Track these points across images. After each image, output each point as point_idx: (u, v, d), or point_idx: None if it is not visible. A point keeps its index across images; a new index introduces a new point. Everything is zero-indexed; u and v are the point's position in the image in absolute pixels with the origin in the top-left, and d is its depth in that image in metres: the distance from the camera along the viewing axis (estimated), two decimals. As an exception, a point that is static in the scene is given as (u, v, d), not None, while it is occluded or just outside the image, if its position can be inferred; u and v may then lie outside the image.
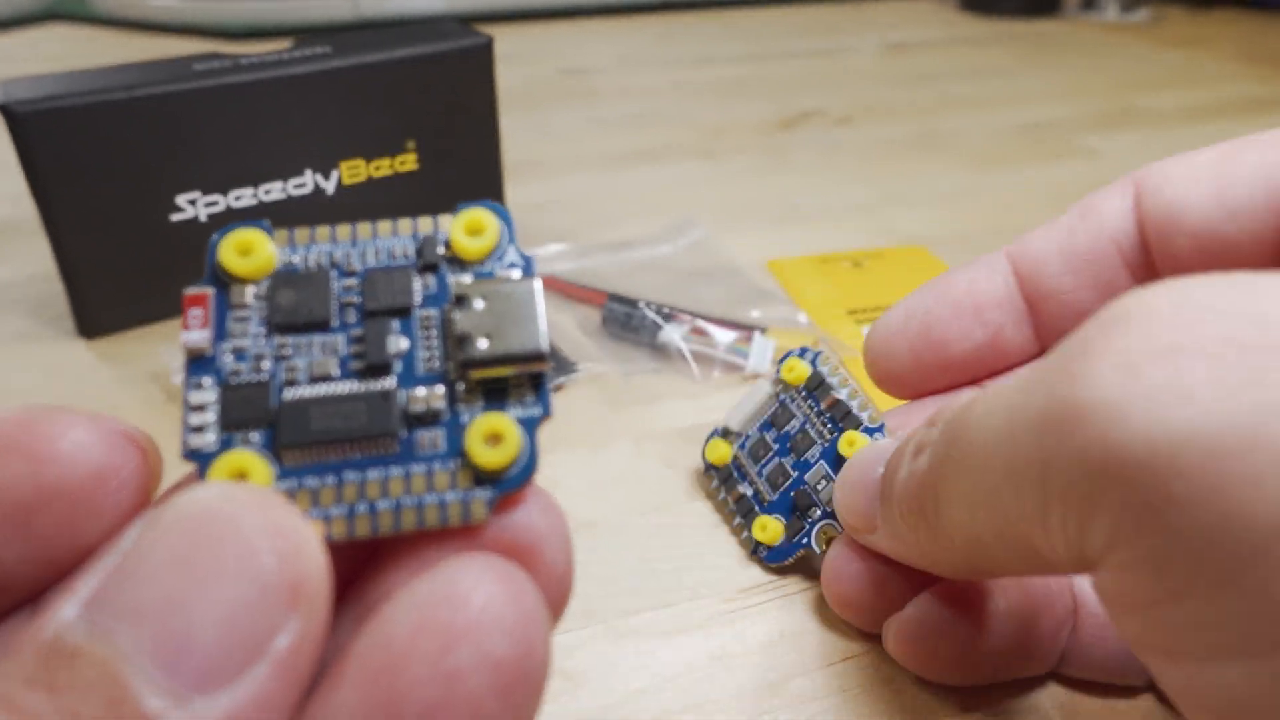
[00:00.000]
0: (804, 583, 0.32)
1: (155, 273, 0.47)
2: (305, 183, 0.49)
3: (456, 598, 0.15)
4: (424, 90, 0.50)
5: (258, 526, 0.14)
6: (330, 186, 0.50)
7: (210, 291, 0.19)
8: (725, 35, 1.07)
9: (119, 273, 0.47)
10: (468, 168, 0.53)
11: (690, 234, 0.57)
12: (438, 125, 0.51)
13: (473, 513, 0.17)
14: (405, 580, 0.17)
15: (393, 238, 0.19)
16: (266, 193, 0.48)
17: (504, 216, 0.19)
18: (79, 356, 0.47)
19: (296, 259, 0.19)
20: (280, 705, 0.14)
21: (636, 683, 0.28)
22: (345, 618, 0.17)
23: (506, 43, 0.61)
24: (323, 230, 0.19)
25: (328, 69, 0.47)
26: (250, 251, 0.19)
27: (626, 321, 0.46)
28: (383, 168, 0.51)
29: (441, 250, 0.19)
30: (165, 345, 0.46)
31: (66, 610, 0.13)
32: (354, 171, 0.50)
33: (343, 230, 0.19)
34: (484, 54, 0.50)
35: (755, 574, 0.33)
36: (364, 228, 0.20)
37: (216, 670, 0.13)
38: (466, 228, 0.19)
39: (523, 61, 0.74)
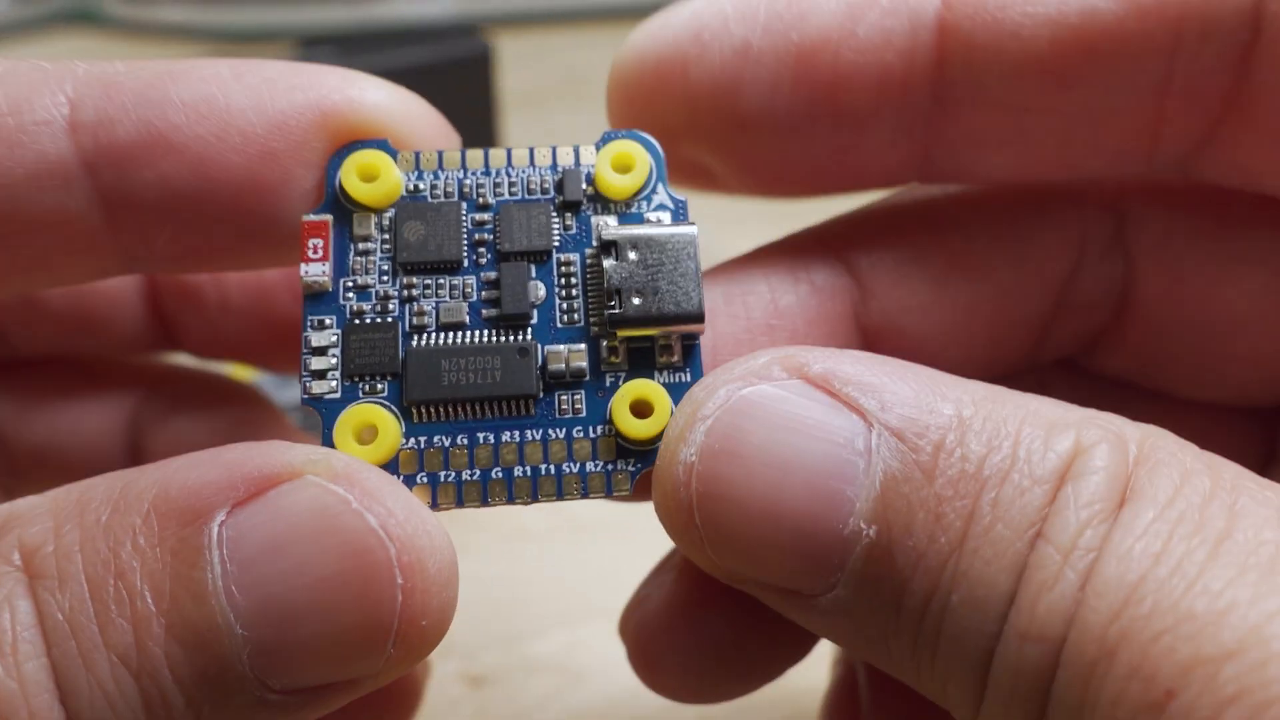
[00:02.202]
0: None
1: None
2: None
3: None
4: (426, 96, 0.50)
5: None
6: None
7: (329, 219, 0.17)
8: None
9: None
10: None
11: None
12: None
13: (616, 487, 0.16)
14: None
15: (529, 168, 0.17)
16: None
17: (654, 151, 0.17)
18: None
19: (423, 185, 0.17)
20: None
21: (638, 680, 0.28)
22: None
23: (511, 47, 0.60)
24: (451, 155, 0.17)
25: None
26: (375, 176, 0.17)
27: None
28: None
29: (585, 186, 0.17)
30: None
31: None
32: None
33: (474, 156, 0.17)
34: (484, 61, 0.50)
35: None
36: (497, 155, 0.17)
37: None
38: (614, 162, 0.17)
39: (527, 65, 0.73)
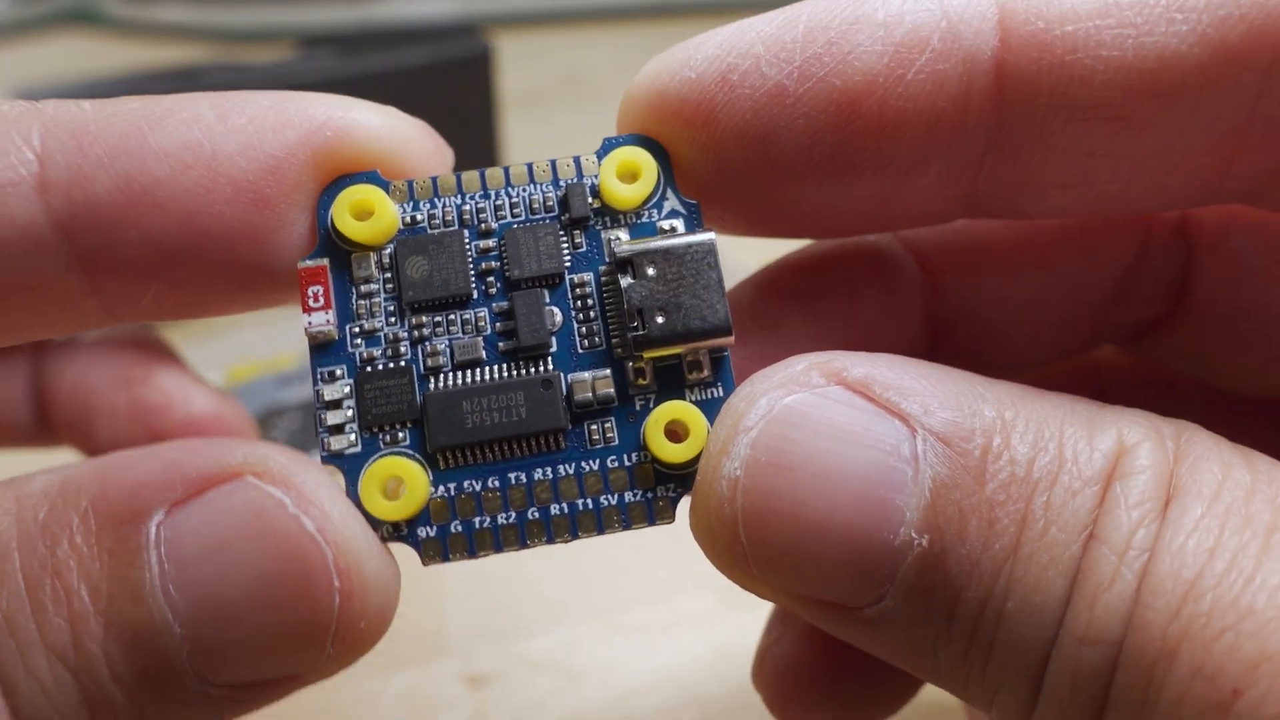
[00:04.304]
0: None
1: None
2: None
3: None
4: (426, 96, 0.48)
5: None
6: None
7: (327, 264, 0.16)
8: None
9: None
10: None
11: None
12: (439, 130, 0.52)
13: (659, 515, 0.15)
14: None
15: (529, 185, 0.16)
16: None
17: (660, 155, 0.16)
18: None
19: (420, 216, 0.16)
20: None
21: (637, 678, 0.28)
22: None
23: (510, 47, 0.59)
24: (446, 180, 0.16)
25: (331, 77, 0.45)
26: (370, 213, 0.16)
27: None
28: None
29: (591, 200, 0.16)
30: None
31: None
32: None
33: (470, 179, 0.16)
34: (484, 61, 0.49)
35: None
36: (494, 174, 0.16)
37: None
38: (619, 171, 0.16)
39: (527, 65, 0.72)
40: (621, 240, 0.16)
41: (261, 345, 0.40)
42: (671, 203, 0.16)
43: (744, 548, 0.14)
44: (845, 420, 0.14)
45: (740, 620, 0.30)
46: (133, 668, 0.13)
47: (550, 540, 0.15)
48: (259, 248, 0.16)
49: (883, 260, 0.19)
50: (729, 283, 0.18)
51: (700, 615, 0.31)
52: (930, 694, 0.22)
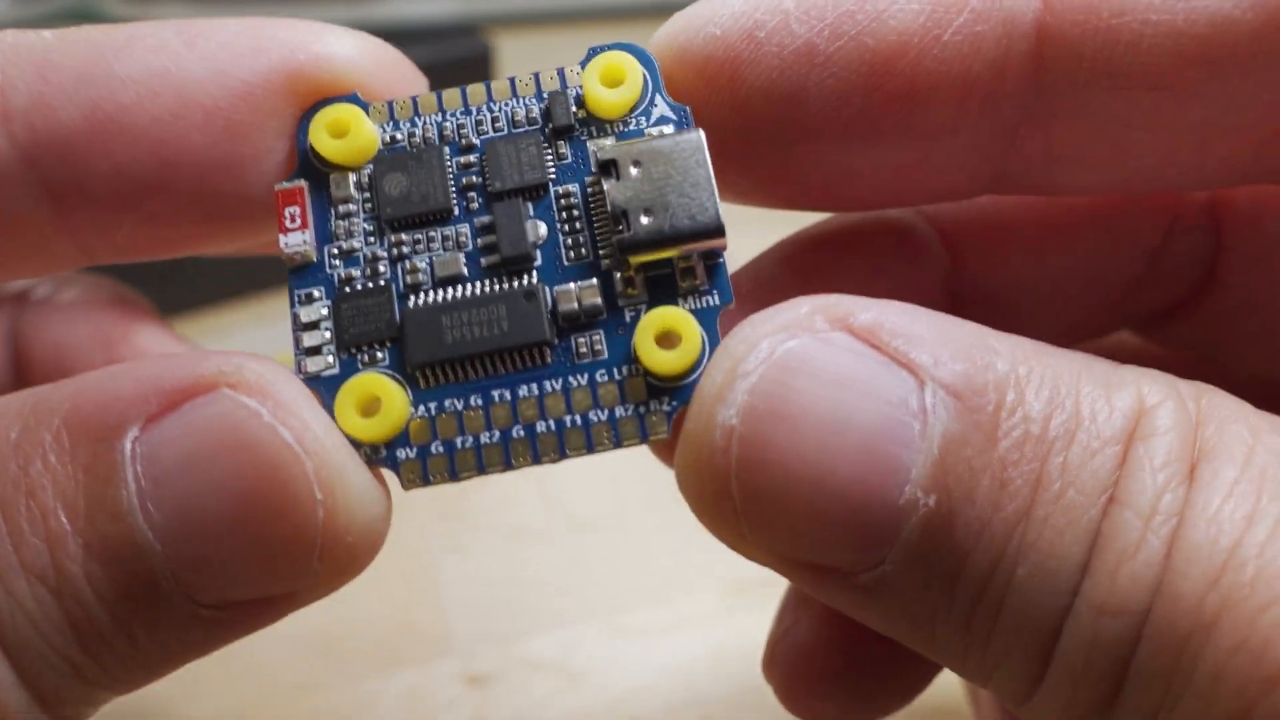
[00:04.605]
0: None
1: (164, 279, 0.47)
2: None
3: None
4: None
5: None
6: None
7: (304, 185, 0.15)
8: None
9: (126, 276, 0.47)
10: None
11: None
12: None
13: (652, 430, 0.14)
14: None
15: (512, 99, 0.16)
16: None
17: (645, 59, 0.15)
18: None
19: (400, 135, 0.16)
20: None
21: (638, 679, 0.28)
22: None
23: (510, 47, 0.61)
24: (427, 99, 0.16)
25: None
26: (346, 131, 0.15)
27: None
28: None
29: (575, 109, 0.15)
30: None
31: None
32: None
33: (451, 97, 0.16)
34: (484, 61, 0.49)
35: (753, 570, 0.31)
36: (476, 90, 0.16)
37: None
38: (602, 77, 0.15)
39: (527, 65, 0.74)
40: (606, 145, 0.15)
41: (261, 345, 0.40)
42: (660, 109, 0.15)
43: (735, 502, 0.13)
44: (850, 369, 0.12)
45: (740, 621, 0.30)
46: (116, 588, 0.13)
47: (537, 460, 0.14)
48: (234, 177, 0.15)
49: (906, 235, 0.19)
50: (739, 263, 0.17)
51: (700, 616, 0.30)
52: (931, 696, 0.20)
